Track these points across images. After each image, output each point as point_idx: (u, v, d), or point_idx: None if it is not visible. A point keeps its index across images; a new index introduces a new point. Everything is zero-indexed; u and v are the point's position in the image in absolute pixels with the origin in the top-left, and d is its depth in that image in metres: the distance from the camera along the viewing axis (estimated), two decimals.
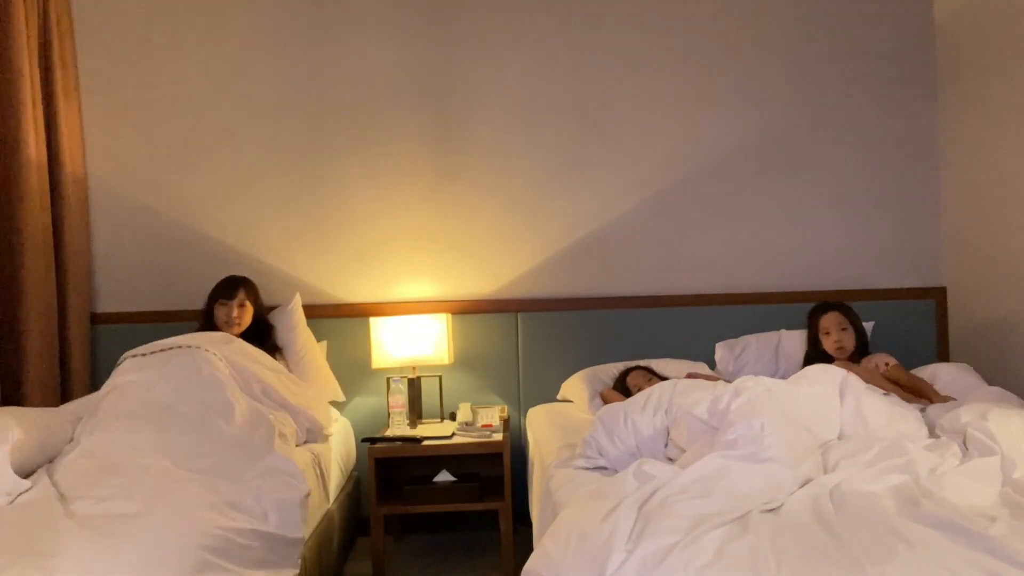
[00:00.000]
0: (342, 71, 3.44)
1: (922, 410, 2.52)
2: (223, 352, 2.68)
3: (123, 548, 1.69)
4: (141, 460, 2.17)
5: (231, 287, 3.02)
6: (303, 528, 2.18)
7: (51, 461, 2.32)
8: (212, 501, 2.01)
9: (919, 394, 2.71)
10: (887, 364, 2.83)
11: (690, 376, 3.02)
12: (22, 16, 2.96)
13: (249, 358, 2.75)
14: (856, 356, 2.94)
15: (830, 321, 2.95)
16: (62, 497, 1.98)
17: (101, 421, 2.39)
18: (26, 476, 2.16)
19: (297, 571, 2.15)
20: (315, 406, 2.86)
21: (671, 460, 2.16)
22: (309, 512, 2.29)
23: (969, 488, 1.79)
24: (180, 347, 2.64)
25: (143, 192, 3.41)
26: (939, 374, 2.87)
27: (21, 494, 2.01)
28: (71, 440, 2.40)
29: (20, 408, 2.42)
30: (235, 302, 2.99)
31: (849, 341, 2.92)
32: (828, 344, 2.95)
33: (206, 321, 3.02)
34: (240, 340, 2.84)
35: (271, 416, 2.56)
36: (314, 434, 2.84)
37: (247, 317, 3.02)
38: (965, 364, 2.96)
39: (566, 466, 2.35)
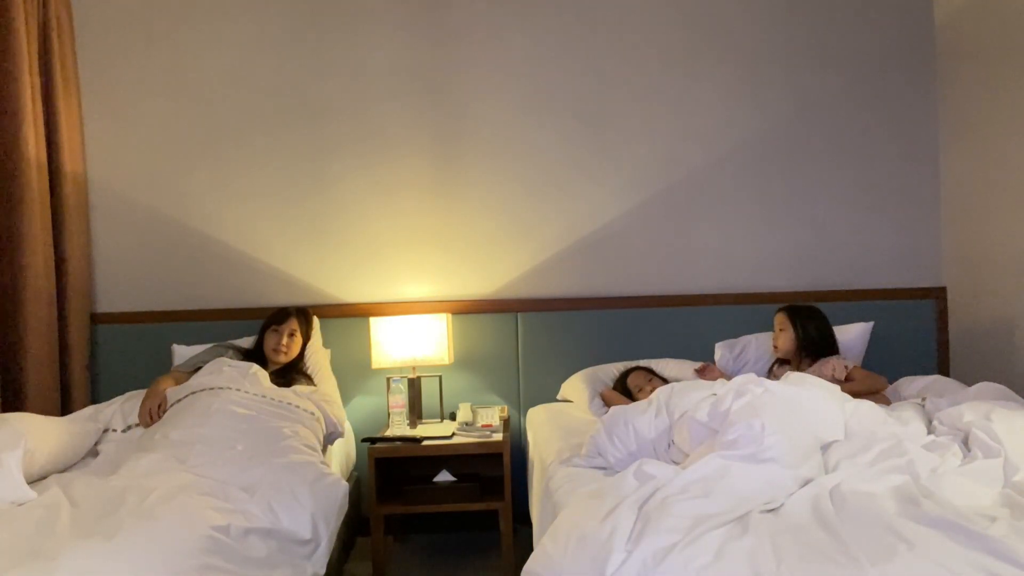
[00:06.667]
0: (342, 70, 3.44)
1: (923, 400, 2.53)
2: (242, 385, 2.70)
3: (124, 551, 1.69)
4: (150, 474, 2.21)
5: (283, 314, 3.04)
6: (310, 533, 2.19)
7: (63, 471, 2.36)
8: (218, 505, 2.01)
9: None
10: (846, 367, 2.83)
11: (699, 371, 3.03)
12: (22, 16, 2.96)
13: (261, 387, 2.77)
14: (806, 359, 2.94)
15: (775, 321, 3.02)
16: (71, 505, 1.99)
17: (122, 452, 2.49)
18: (35, 482, 2.19)
19: None
20: (326, 410, 2.87)
21: (675, 463, 2.16)
22: (315, 515, 2.28)
23: (969, 489, 1.79)
24: (205, 390, 2.66)
25: (143, 192, 3.41)
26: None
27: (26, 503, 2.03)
28: (88, 455, 2.56)
29: (33, 415, 2.45)
30: (285, 329, 2.99)
31: (784, 342, 2.95)
32: (773, 341, 3.01)
33: (256, 346, 3.03)
34: (258, 370, 2.82)
35: (280, 423, 2.58)
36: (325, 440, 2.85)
37: (296, 347, 3.02)
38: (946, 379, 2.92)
39: (566, 466, 2.35)
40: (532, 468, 2.89)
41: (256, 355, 3.00)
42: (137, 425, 2.73)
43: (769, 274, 3.53)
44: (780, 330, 2.97)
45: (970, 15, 3.31)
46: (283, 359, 2.98)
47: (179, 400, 2.65)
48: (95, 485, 2.13)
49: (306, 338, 3.08)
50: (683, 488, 1.74)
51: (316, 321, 3.20)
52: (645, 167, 3.50)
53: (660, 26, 3.50)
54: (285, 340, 2.98)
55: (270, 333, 3.00)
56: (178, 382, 2.83)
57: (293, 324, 3.02)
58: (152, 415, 2.68)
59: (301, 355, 3.07)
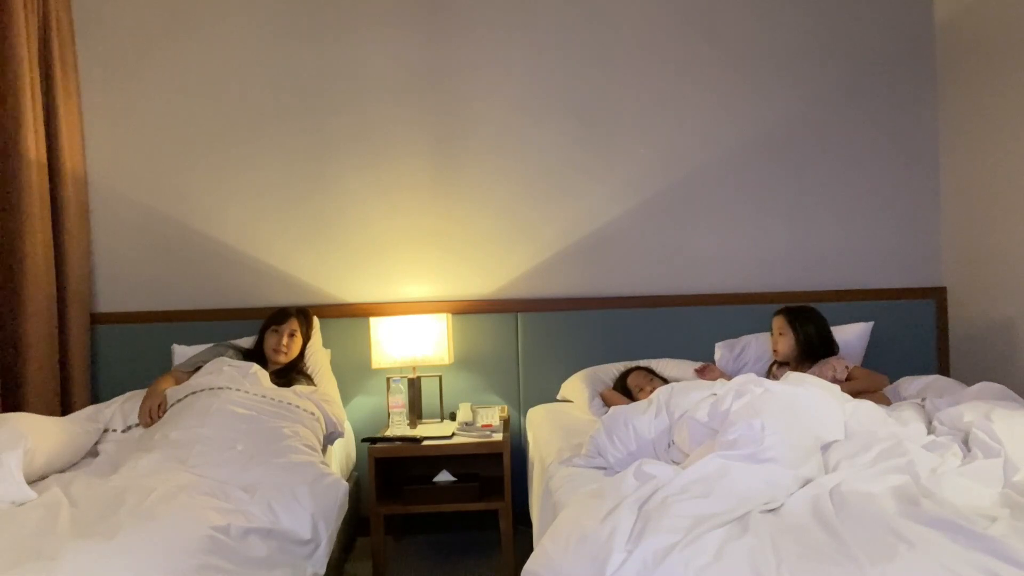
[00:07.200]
0: (342, 70, 3.44)
1: (922, 400, 2.53)
2: (242, 385, 2.70)
3: (124, 551, 1.69)
4: (150, 474, 2.22)
5: (283, 315, 3.03)
6: (310, 533, 2.19)
7: (63, 471, 2.37)
8: (218, 505, 2.01)
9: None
10: (847, 367, 2.83)
11: (699, 371, 3.03)
12: (22, 16, 2.96)
13: (261, 387, 2.76)
14: (805, 361, 2.93)
15: (774, 325, 3.00)
16: (71, 505, 1.99)
17: (122, 452, 2.50)
18: (35, 482, 2.20)
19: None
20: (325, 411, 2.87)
21: (675, 463, 2.16)
22: (315, 515, 2.28)
23: (969, 489, 1.79)
24: (204, 390, 2.66)
25: (143, 192, 3.41)
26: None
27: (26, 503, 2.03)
28: (88, 456, 2.56)
29: (33, 415, 2.45)
30: (285, 329, 2.99)
31: (784, 346, 2.93)
32: (773, 345, 3.00)
33: (256, 347, 3.03)
34: (258, 370, 2.81)
35: (280, 423, 2.57)
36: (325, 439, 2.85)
37: (296, 347, 3.02)
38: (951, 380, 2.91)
39: (566, 466, 2.35)
40: (532, 468, 2.89)
41: (256, 355, 3.00)
42: (137, 425, 2.73)
43: (769, 274, 3.52)
44: (780, 334, 2.95)
45: (970, 15, 3.31)
46: (283, 359, 2.98)
47: (179, 400, 2.65)
48: (95, 485, 2.13)
49: (306, 338, 3.08)
50: (683, 488, 1.74)
51: (316, 321, 3.20)
52: (645, 167, 3.50)
53: (661, 27, 3.50)
54: (285, 340, 2.98)
55: (270, 333, 3.00)
56: (178, 382, 2.84)
57: (293, 324, 3.02)
58: (152, 415, 2.69)
59: (301, 355, 3.07)
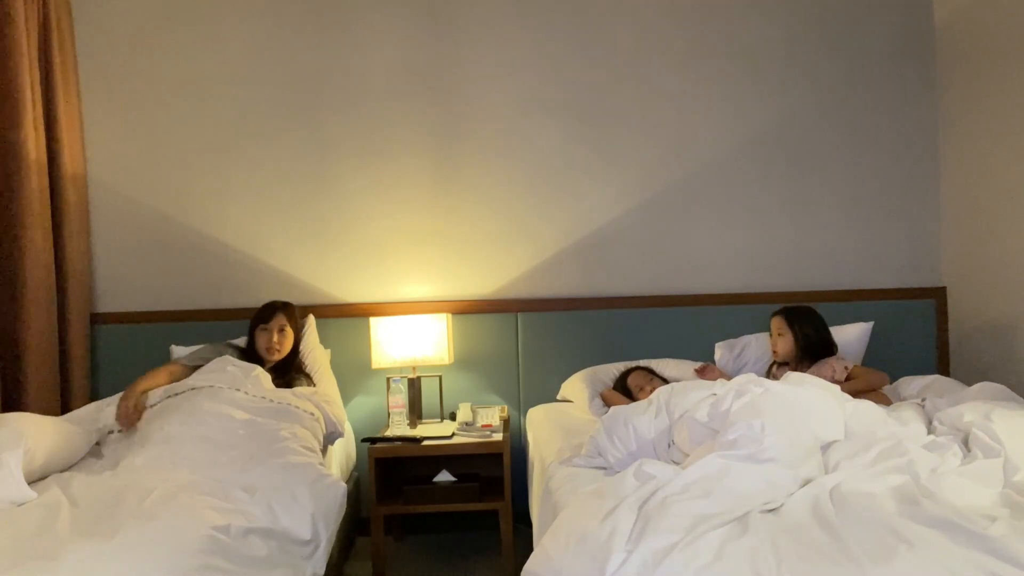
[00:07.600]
0: (343, 70, 3.44)
1: (922, 400, 2.53)
2: (243, 386, 2.69)
3: (124, 550, 1.69)
4: (149, 473, 2.21)
5: (269, 311, 2.99)
6: (310, 533, 2.19)
7: (63, 471, 2.37)
8: (218, 505, 2.01)
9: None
10: (846, 367, 2.83)
11: (699, 371, 3.03)
12: (22, 16, 2.96)
13: (262, 388, 2.75)
14: (805, 360, 2.92)
15: (772, 325, 2.99)
16: (71, 505, 1.99)
17: (122, 452, 2.49)
18: (35, 481, 2.20)
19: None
20: (325, 411, 2.86)
21: (675, 463, 2.16)
22: (314, 516, 2.28)
23: (969, 489, 1.79)
24: (205, 388, 2.65)
25: (143, 192, 3.41)
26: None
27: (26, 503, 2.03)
28: (88, 455, 2.55)
29: (33, 415, 2.45)
30: (274, 326, 2.95)
31: (783, 347, 2.93)
32: (772, 346, 2.99)
33: (248, 346, 3.00)
34: (261, 372, 2.80)
35: (278, 424, 2.57)
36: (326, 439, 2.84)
37: (288, 342, 2.98)
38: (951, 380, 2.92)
39: (566, 466, 2.35)
40: (532, 468, 2.89)
41: (250, 355, 2.98)
42: None
43: (769, 274, 3.53)
44: (779, 335, 2.94)
45: (970, 15, 3.31)
46: (277, 356, 2.96)
47: (178, 394, 2.64)
48: (95, 485, 2.13)
49: (297, 331, 3.05)
50: (683, 488, 1.74)
51: (312, 319, 3.19)
52: (645, 166, 3.50)
53: (661, 28, 3.50)
54: (276, 337, 2.94)
55: (260, 332, 2.96)
56: (173, 375, 2.81)
57: (281, 320, 2.97)
58: (129, 416, 2.59)
59: (296, 351, 3.05)
